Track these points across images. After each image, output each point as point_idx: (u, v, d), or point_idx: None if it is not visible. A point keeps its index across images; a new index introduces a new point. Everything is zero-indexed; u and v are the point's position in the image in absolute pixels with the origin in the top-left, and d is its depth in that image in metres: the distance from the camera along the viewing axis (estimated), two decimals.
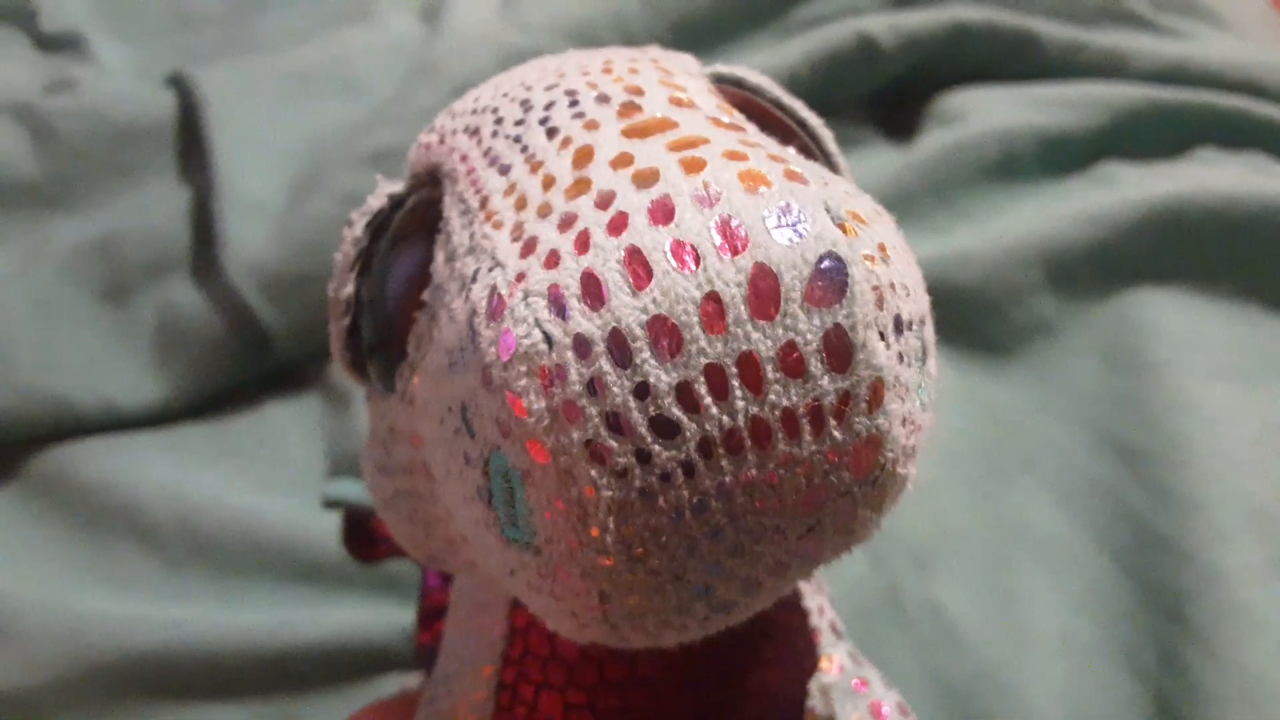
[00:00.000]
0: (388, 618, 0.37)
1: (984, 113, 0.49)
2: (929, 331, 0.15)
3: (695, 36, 0.51)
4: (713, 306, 0.13)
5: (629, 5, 0.50)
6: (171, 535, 0.40)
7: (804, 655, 0.21)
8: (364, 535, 0.34)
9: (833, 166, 0.19)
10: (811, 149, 0.19)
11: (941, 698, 0.34)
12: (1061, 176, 0.48)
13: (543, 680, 0.20)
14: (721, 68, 0.19)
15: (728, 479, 0.13)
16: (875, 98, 0.52)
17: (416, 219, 0.18)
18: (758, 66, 0.48)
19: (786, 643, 0.21)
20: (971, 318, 0.43)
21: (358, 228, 0.19)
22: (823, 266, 0.13)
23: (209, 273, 0.44)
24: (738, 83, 0.19)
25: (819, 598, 0.22)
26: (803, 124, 0.19)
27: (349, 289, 0.19)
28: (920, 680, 0.35)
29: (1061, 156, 0.48)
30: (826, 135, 0.20)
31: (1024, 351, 0.43)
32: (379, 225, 0.19)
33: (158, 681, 0.36)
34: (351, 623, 0.37)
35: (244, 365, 0.44)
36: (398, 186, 0.19)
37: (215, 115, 0.47)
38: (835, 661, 0.21)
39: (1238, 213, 0.44)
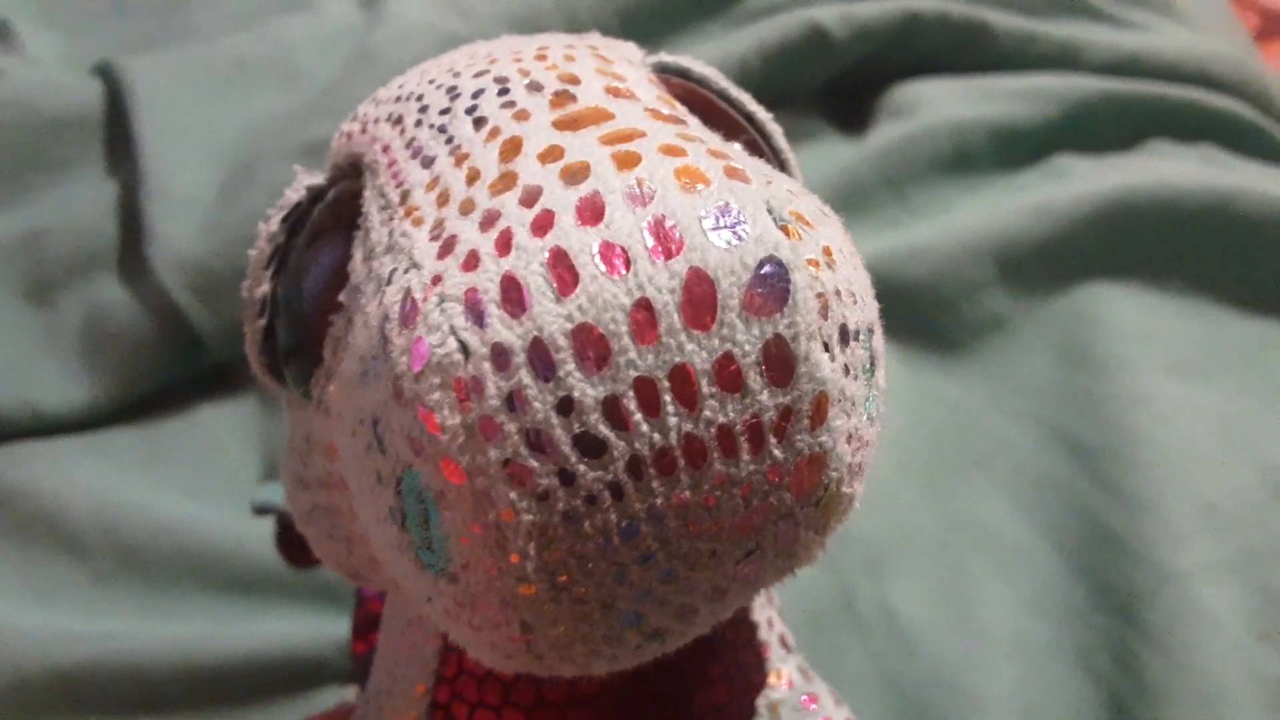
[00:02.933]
0: (323, 629, 0.36)
1: (936, 105, 0.48)
2: (878, 340, 0.14)
3: (643, 25, 0.50)
4: (643, 315, 0.12)
5: None
6: (99, 545, 0.38)
7: (752, 670, 0.20)
8: (297, 539, 0.33)
9: (781, 163, 0.19)
10: (759, 144, 0.18)
11: (895, 701, 0.34)
12: (1014, 169, 0.48)
13: (478, 700, 0.20)
14: (666, 57, 0.18)
15: (659, 501, 0.12)
16: (827, 89, 0.52)
17: (336, 213, 0.17)
18: (707, 56, 0.48)
19: (734, 658, 0.21)
20: (924, 313, 0.43)
21: (273, 223, 0.18)
22: (763, 272, 0.12)
23: (137, 270, 0.43)
24: (683, 73, 0.18)
25: (768, 610, 0.21)
26: (750, 117, 0.19)
27: (264, 288, 0.18)
28: (874, 684, 0.35)
29: (1014, 149, 0.48)
30: (775, 130, 0.19)
31: (977, 347, 0.43)
32: (296, 220, 0.18)
33: (85, 697, 0.34)
34: (286, 634, 0.35)
35: (174, 366, 0.43)
36: (318, 179, 0.18)
37: (143, 106, 0.45)
38: (784, 676, 0.20)
39: (1189, 206, 0.43)
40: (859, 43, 0.49)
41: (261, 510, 0.34)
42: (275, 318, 0.18)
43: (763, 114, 0.19)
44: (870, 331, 0.14)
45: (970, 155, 0.47)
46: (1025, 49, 0.51)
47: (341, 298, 0.16)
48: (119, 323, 0.42)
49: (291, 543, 0.33)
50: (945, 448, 0.40)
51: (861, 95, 0.52)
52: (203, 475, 0.41)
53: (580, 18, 0.49)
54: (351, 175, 0.17)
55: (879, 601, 0.36)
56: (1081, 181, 0.46)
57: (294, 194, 0.18)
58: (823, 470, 0.13)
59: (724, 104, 0.18)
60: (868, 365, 0.14)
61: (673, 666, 0.18)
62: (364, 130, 0.17)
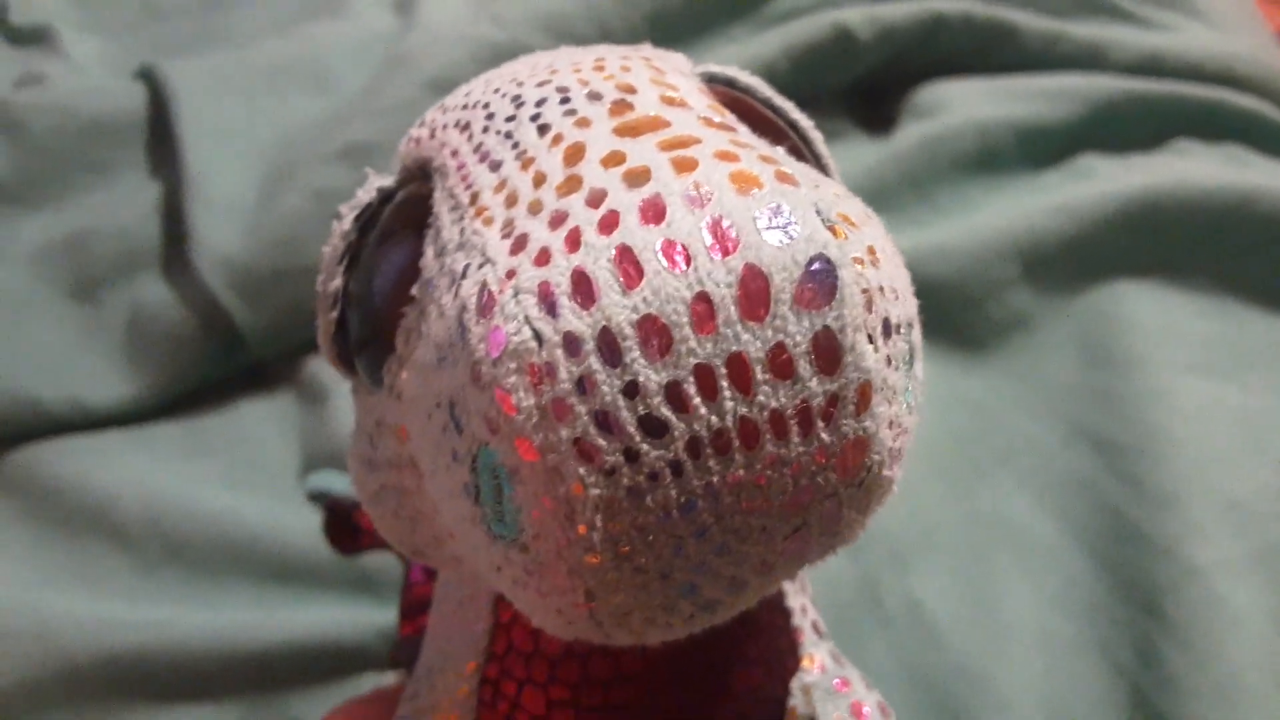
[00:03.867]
0: (364, 617, 0.36)
1: (961, 105, 0.49)
2: (916, 335, 0.15)
3: (671, 28, 0.51)
4: (703, 307, 0.13)
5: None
6: (145, 535, 0.39)
7: (786, 654, 0.21)
8: (346, 527, 0.34)
9: (823, 168, 0.19)
10: (802, 150, 0.19)
11: (919, 693, 0.34)
12: (1039, 169, 0.48)
13: (526, 676, 0.20)
14: (714, 67, 0.19)
15: (715, 479, 0.13)
16: (853, 90, 0.52)
17: (406, 214, 0.18)
18: (734, 58, 0.48)
19: (769, 642, 0.21)
20: (949, 312, 0.43)
21: (346, 221, 0.18)
22: (813, 269, 0.13)
23: (180, 270, 0.44)
24: (729, 82, 0.19)
25: (801, 597, 0.22)
26: (794, 125, 0.19)
27: (337, 283, 0.18)
28: (898, 676, 0.35)
29: (1039, 149, 0.48)
30: (817, 137, 0.19)
31: (1001, 345, 0.43)
32: (368, 219, 0.18)
33: (131, 682, 0.35)
34: (326, 622, 0.36)
35: (216, 363, 0.44)
36: (387, 180, 0.19)
37: (185, 110, 0.46)
38: (817, 661, 0.21)
39: (1214, 206, 0.43)
40: (884, 43, 0.50)
41: (315, 496, 0.35)
42: (347, 311, 0.18)
43: (805, 121, 0.19)
44: (910, 326, 0.15)
45: (995, 155, 0.48)
46: (1050, 49, 0.51)
47: (413, 291, 0.16)
48: (162, 321, 0.43)
49: (339, 530, 0.34)
50: (970, 444, 0.40)
51: (887, 95, 0.52)
52: (243, 468, 0.42)
53: (609, 22, 0.49)
54: (420, 179, 0.18)
55: (904, 595, 0.37)
56: (1106, 181, 0.46)
57: (365, 194, 0.18)
58: (866, 453, 0.14)
59: (769, 112, 0.19)
60: (907, 357, 0.15)
61: (712, 648, 0.18)
62: (432, 136, 0.18)
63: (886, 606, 0.37)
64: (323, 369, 0.43)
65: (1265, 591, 0.35)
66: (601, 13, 0.50)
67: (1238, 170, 0.47)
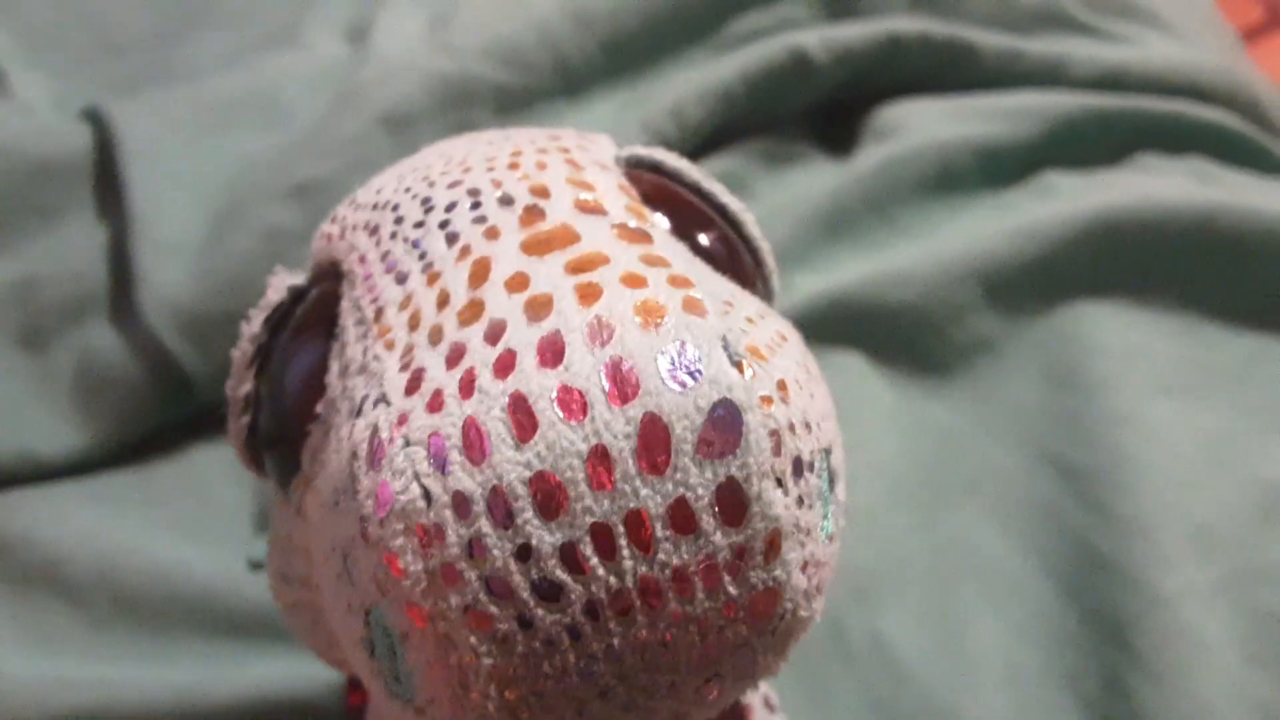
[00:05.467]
0: (319, 672, 0.35)
1: (921, 126, 0.48)
2: (837, 458, 0.15)
3: (627, 54, 0.50)
4: (600, 462, 0.12)
5: (560, 26, 0.49)
6: (94, 590, 0.38)
7: None
8: None
9: (752, 251, 0.19)
10: (729, 236, 0.19)
11: None
12: (1001, 189, 0.48)
13: None
14: (641, 150, 0.19)
15: (616, 641, 0.13)
16: (812, 112, 0.51)
17: (318, 311, 0.18)
18: (692, 84, 0.48)
19: None
20: (911, 337, 0.43)
21: (255, 324, 0.18)
22: (716, 415, 0.13)
23: (128, 315, 0.43)
24: (655, 167, 0.19)
25: None
26: (722, 210, 0.19)
27: (247, 387, 0.18)
28: (863, 713, 0.35)
29: (1000, 168, 0.48)
30: (748, 219, 0.19)
31: (964, 370, 0.43)
32: (279, 319, 0.18)
33: None
34: (281, 677, 0.36)
35: (166, 409, 0.43)
36: (298, 278, 0.18)
37: (131, 150, 0.45)
38: None
39: (1177, 224, 0.43)
40: (842, 66, 0.49)
41: (259, 565, 0.34)
42: (259, 413, 0.18)
43: (735, 205, 0.19)
44: (827, 453, 0.14)
45: (956, 175, 0.47)
46: (1010, 67, 0.51)
47: (319, 409, 0.16)
48: (111, 367, 0.42)
49: None
50: (933, 473, 0.40)
51: (847, 117, 0.52)
52: (197, 517, 0.41)
53: (564, 50, 0.49)
54: (332, 277, 0.18)
55: (868, 630, 0.36)
56: (1068, 200, 0.45)
57: (275, 294, 0.18)
58: (778, 602, 0.13)
59: (695, 197, 0.19)
60: (823, 491, 0.14)
61: None
62: (342, 235, 0.18)
63: (849, 641, 0.36)
64: None
65: (1233, 619, 0.34)
66: (557, 41, 0.49)
67: (1201, 185, 0.46)
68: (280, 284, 0.18)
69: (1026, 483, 0.39)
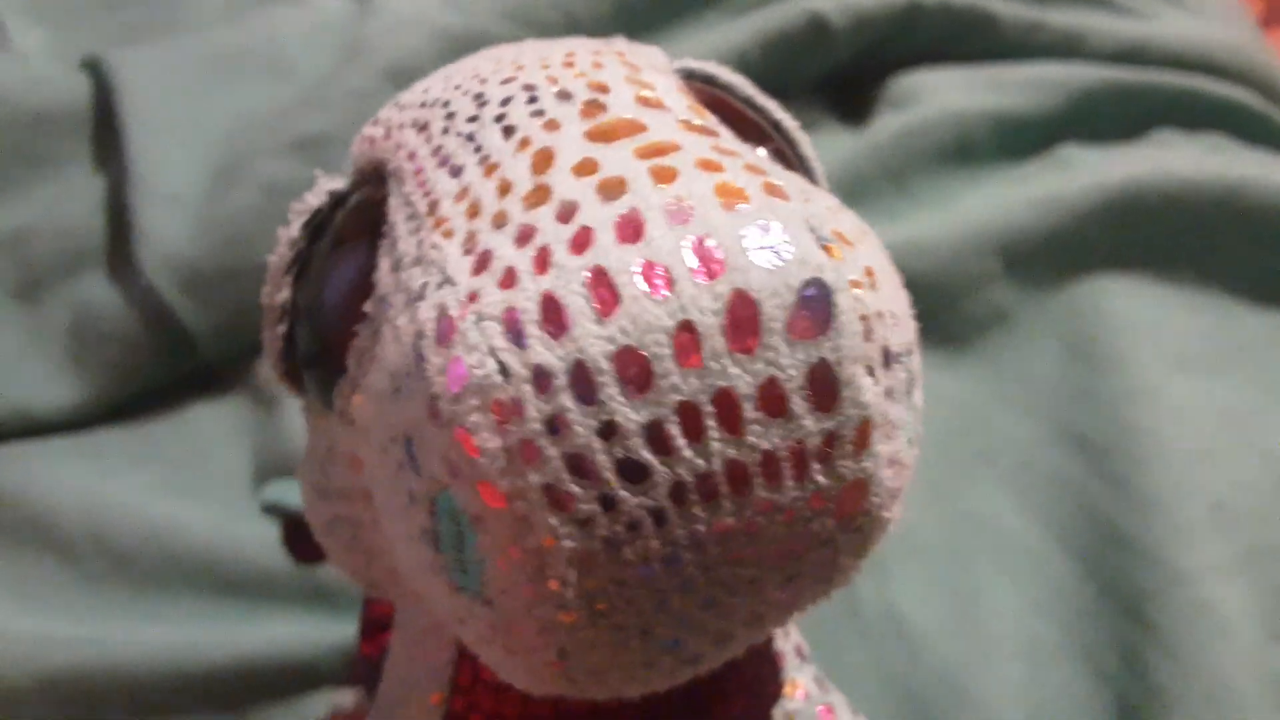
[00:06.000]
0: (316, 631, 0.35)
1: (939, 95, 0.48)
2: (916, 361, 0.14)
3: (640, 16, 0.49)
4: (687, 337, 0.11)
5: None
6: (87, 548, 0.38)
7: (768, 681, 0.20)
8: (306, 536, 0.32)
9: (808, 173, 0.18)
10: (787, 154, 0.18)
11: (899, 704, 0.33)
12: (1018, 160, 0.47)
13: (495, 710, 0.19)
14: (692, 63, 0.18)
15: (701, 528, 0.12)
16: (828, 79, 0.51)
17: (360, 219, 0.17)
18: (705, 47, 0.47)
19: (751, 669, 0.20)
20: (927, 308, 0.42)
21: (294, 227, 0.17)
22: (807, 294, 0.12)
23: (125, 268, 0.42)
24: (708, 79, 0.18)
25: None
26: (777, 126, 0.18)
27: (284, 294, 0.17)
28: (878, 686, 0.34)
29: (1018, 139, 0.47)
30: (802, 138, 0.18)
31: (981, 342, 0.42)
32: (318, 226, 0.17)
33: (72, 703, 0.34)
34: (278, 637, 0.35)
35: (164, 366, 0.42)
36: (339, 183, 0.17)
37: (131, 101, 0.44)
38: (800, 687, 0.20)
39: (1196, 197, 0.43)
40: (859, 32, 0.49)
41: (271, 509, 0.33)
42: (296, 325, 0.17)
43: (790, 121, 0.18)
44: (909, 352, 0.14)
45: (973, 146, 0.47)
46: (1029, 38, 0.50)
47: (367, 308, 0.15)
48: (108, 321, 0.41)
49: (299, 539, 0.32)
50: (950, 445, 0.39)
51: (863, 85, 0.51)
52: (194, 476, 0.40)
53: (576, 9, 0.48)
54: (374, 181, 0.17)
55: (883, 603, 0.36)
56: (1087, 173, 0.45)
57: (315, 198, 0.17)
58: (865, 496, 0.13)
59: (751, 111, 0.18)
60: (907, 387, 0.14)
61: (692, 679, 0.18)
62: (387, 136, 0.17)
63: (864, 615, 0.35)
64: None
65: (1252, 595, 0.34)
66: (568, 1, 0.48)
67: (1221, 160, 0.46)
68: (320, 188, 0.17)
69: (1043, 456, 0.38)
